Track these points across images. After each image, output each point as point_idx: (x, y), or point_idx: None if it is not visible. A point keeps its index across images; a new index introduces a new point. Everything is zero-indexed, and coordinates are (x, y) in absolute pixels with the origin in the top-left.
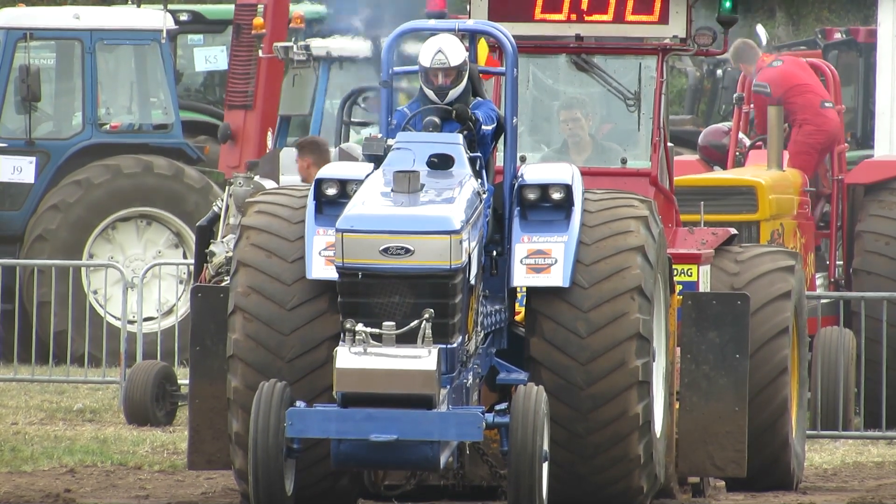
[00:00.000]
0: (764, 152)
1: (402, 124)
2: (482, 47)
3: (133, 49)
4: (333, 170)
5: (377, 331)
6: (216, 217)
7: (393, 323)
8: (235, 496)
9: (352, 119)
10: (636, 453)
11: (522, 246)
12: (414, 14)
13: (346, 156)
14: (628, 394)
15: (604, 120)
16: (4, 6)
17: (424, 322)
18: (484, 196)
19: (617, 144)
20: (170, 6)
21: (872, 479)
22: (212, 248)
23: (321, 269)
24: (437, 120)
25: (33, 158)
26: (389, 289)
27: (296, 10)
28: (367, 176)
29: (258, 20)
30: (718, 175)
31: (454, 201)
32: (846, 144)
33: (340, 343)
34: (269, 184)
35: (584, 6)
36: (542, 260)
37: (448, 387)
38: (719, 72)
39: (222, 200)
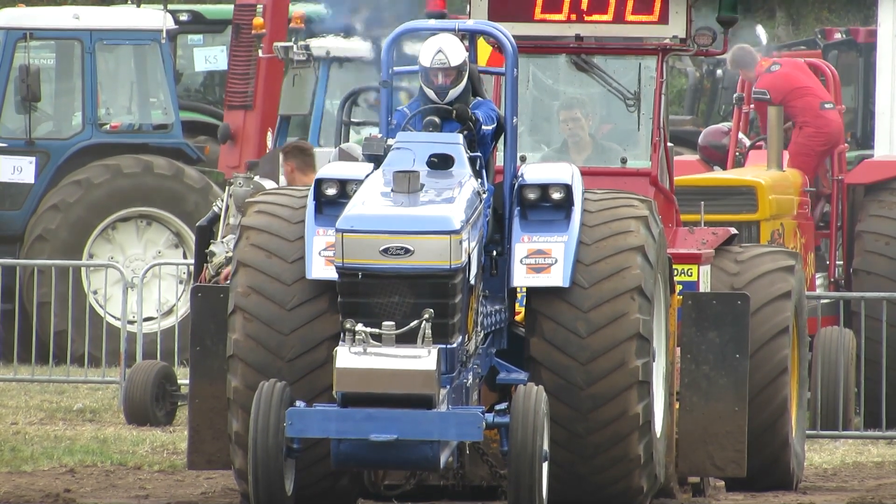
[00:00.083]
0: (764, 152)
1: (402, 124)
2: (484, 46)
3: (133, 49)
4: (333, 170)
5: (377, 331)
6: (216, 217)
7: (393, 323)
8: (235, 496)
9: (352, 119)
10: (636, 453)
11: (522, 246)
12: (414, 14)
13: (346, 156)
14: (628, 394)
15: (604, 120)
16: (4, 6)
17: (424, 322)
18: (484, 196)
19: (617, 144)
20: (170, 6)
21: (872, 478)
22: (212, 248)
23: (321, 269)
24: (437, 120)
25: (33, 158)
26: (389, 289)
27: (296, 10)
28: (367, 176)
29: (258, 20)
30: (718, 175)
31: (454, 201)
32: (846, 144)
33: (340, 343)
34: (268, 184)
35: (584, 6)
36: (542, 260)
37: (448, 387)
38: (719, 72)
39: (222, 200)
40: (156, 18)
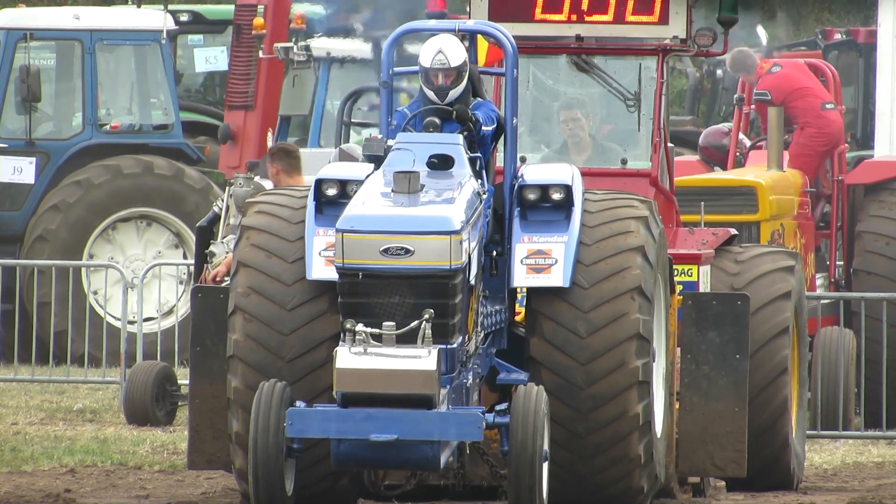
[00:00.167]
0: (764, 153)
1: (403, 125)
2: (483, 41)
3: (133, 49)
4: (334, 170)
5: (377, 331)
6: (216, 217)
7: (393, 323)
8: (235, 496)
9: (352, 119)
10: (636, 453)
11: (522, 246)
12: (414, 14)
13: (346, 156)
14: (628, 394)
15: (604, 120)
16: (4, 6)
17: (424, 322)
18: (484, 196)
19: (617, 145)
20: (170, 6)
21: (872, 479)
22: (212, 248)
23: (321, 269)
24: (437, 120)
25: (33, 159)
26: (389, 289)
27: (296, 10)
28: (368, 176)
29: (258, 20)
30: (719, 175)
31: (454, 202)
32: (846, 145)
33: (340, 343)
34: (269, 184)
35: (585, 6)
36: (543, 260)
37: (448, 387)
38: (719, 72)
39: (222, 201)
40: (156, 19)
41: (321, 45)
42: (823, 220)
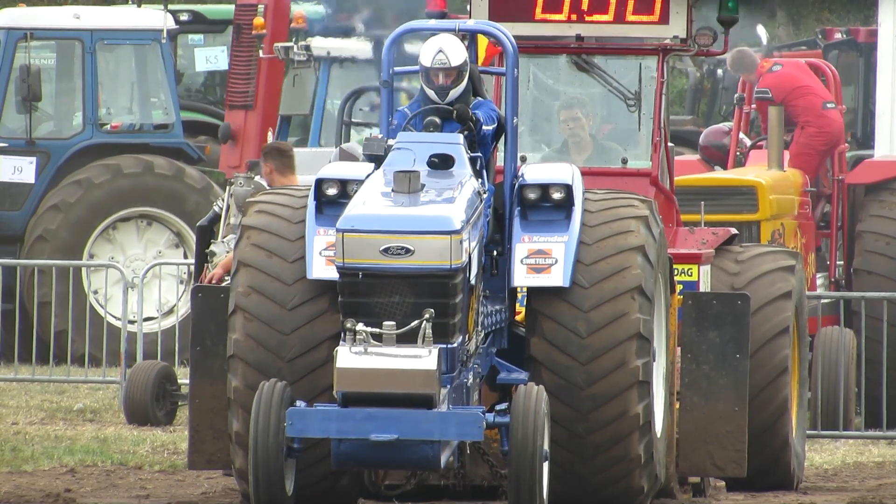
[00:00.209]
0: (764, 152)
1: (403, 124)
2: (482, 39)
3: (133, 49)
4: (334, 170)
5: (377, 330)
6: (217, 217)
7: (393, 323)
8: (236, 496)
9: (352, 119)
10: (636, 453)
11: (523, 246)
12: (414, 14)
13: (346, 156)
14: (629, 394)
15: (604, 120)
16: (5, 6)
17: (425, 322)
18: (484, 196)
19: (617, 144)
20: (170, 6)
21: (873, 479)
22: (212, 248)
23: (322, 268)
24: (437, 120)
25: (34, 158)
26: (390, 289)
27: (297, 10)
28: (368, 176)
29: (258, 20)
30: (719, 175)
31: (454, 201)
32: (846, 144)
33: (341, 343)
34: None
35: (585, 6)
36: (543, 260)
37: (448, 386)
38: (720, 72)
39: (223, 200)
40: (156, 18)
41: (321, 44)
42: (824, 220)
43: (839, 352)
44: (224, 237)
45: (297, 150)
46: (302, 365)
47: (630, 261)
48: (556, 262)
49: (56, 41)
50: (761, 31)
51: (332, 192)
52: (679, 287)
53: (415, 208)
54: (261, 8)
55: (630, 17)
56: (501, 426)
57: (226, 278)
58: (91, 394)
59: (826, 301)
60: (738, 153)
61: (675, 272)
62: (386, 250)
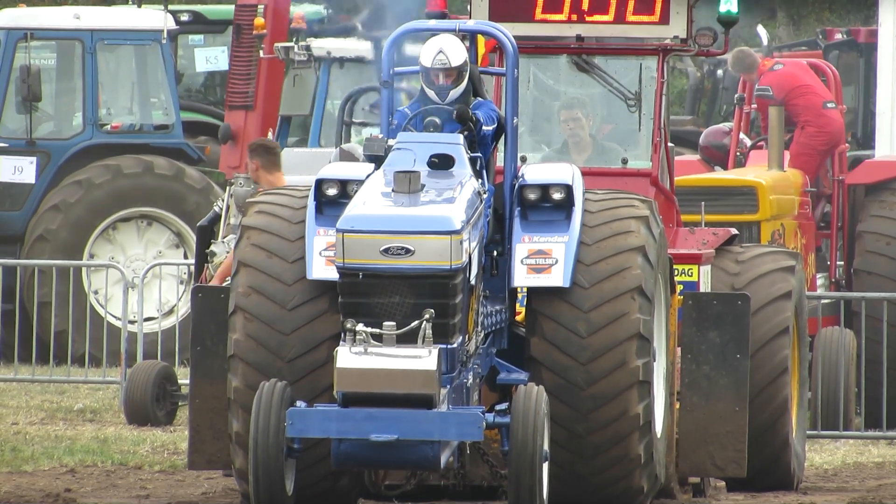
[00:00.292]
0: (765, 152)
1: (403, 124)
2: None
3: (134, 49)
4: (334, 170)
5: (378, 331)
6: (217, 217)
7: (393, 323)
8: (236, 496)
9: (353, 119)
10: (636, 453)
11: (523, 246)
12: (414, 14)
13: (346, 156)
14: (629, 394)
15: (604, 120)
16: (5, 6)
17: (425, 322)
18: (484, 196)
19: (617, 145)
20: (170, 6)
21: (873, 479)
22: (212, 248)
23: (322, 269)
24: (437, 120)
25: (34, 158)
26: (390, 289)
27: (296, 10)
28: (368, 176)
29: (259, 20)
30: (719, 175)
31: (454, 201)
32: (847, 145)
33: (341, 343)
34: None
35: (585, 6)
36: (543, 260)
37: (448, 387)
38: (720, 72)
39: (223, 201)
40: (156, 19)
41: (321, 45)
42: (824, 220)
43: (839, 352)
44: (224, 237)
45: (297, 151)
46: (302, 365)
47: (630, 261)
48: (557, 262)
49: (56, 41)
50: (761, 31)
51: (332, 192)
52: (679, 287)
53: (415, 208)
54: (261, 8)
55: (630, 18)
56: (501, 426)
57: (227, 280)
58: (91, 394)
59: (826, 301)
60: (738, 153)
61: (676, 272)
62: (386, 250)
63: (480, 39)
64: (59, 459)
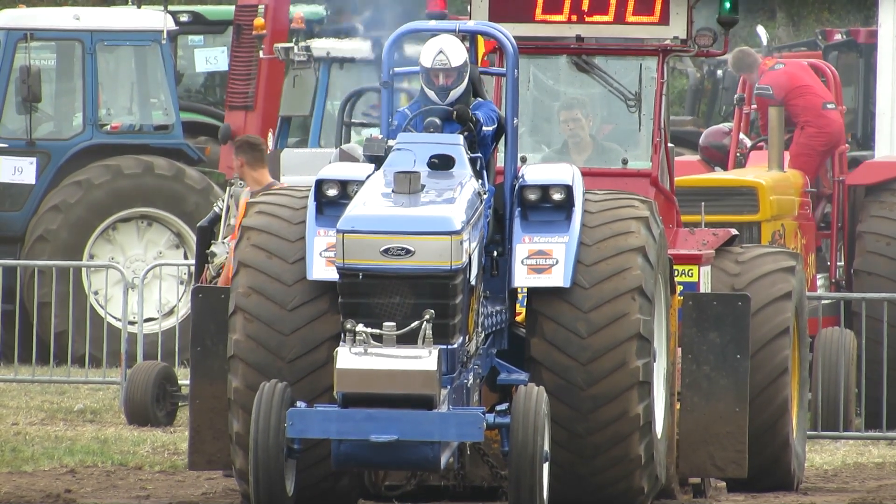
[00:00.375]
0: (765, 153)
1: (403, 125)
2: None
3: (133, 50)
4: (334, 171)
5: (378, 331)
6: (217, 218)
7: (393, 323)
8: (236, 496)
9: (352, 120)
10: (637, 454)
11: (523, 246)
12: (414, 15)
13: (346, 157)
14: (629, 394)
15: (604, 120)
16: (4, 7)
17: (425, 323)
18: (484, 197)
19: (617, 145)
20: (170, 7)
21: (873, 479)
22: (212, 248)
23: (322, 269)
24: (437, 121)
25: (34, 159)
26: (390, 289)
27: (296, 10)
28: (368, 177)
29: (259, 21)
30: (719, 176)
31: (455, 202)
32: (847, 145)
33: (341, 343)
34: None
35: (585, 7)
36: (543, 260)
37: (448, 387)
38: (720, 72)
39: (223, 201)
40: (156, 19)
41: (321, 45)
42: (824, 221)
43: (839, 352)
44: (224, 238)
45: (297, 151)
46: (302, 365)
47: (630, 261)
48: (557, 262)
49: (56, 42)
50: (761, 31)
51: (332, 192)
52: (679, 288)
53: (415, 209)
54: (261, 8)
55: (630, 18)
56: (502, 427)
57: None
58: (91, 394)
59: (826, 302)
60: (738, 154)
61: (676, 273)
62: (386, 251)
63: (480, 40)
64: (60, 460)
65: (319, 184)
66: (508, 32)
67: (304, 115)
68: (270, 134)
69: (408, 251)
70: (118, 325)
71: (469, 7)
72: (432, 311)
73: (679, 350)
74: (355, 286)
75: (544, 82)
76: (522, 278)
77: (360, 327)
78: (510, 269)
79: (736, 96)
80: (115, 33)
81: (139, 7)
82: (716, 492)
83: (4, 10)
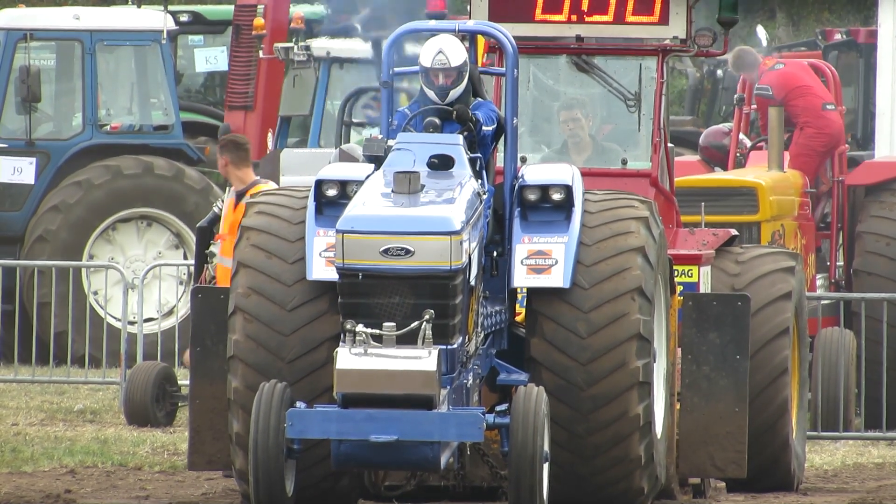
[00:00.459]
0: (765, 153)
1: (403, 125)
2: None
3: (133, 50)
4: (334, 171)
5: (377, 331)
6: (216, 218)
7: (393, 324)
8: (236, 497)
9: (352, 120)
10: (637, 454)
11: (523, 247)
12: (414, 15)
13: (346, 157)
14: (629, 394)
15: (604, 120)
16: (4, 6)
17: (425, 323)
18: (484, 197)
19: (617, 145)
20: (170, 7)
21: (873, 480)
22: (212, 248)
23: (321, 269)
24: (437, 121)
25: (33, 159)
26: (390, 289)
27: (296, 10)
28: (368, 177)
29: (258, 21)
30: (719, 176)
31: (454, 202)
32: (847, 145)
33: (341, 344)
34: (271, 185)
35: (585, 7)
36: (543, 261)
37: (448, 387)
38: (719, 72)
39: (222, 201)
40: (156, 19)
41: (321, 45)
42: (824, 221)
43: (839, 353)
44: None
45: (297, 151)
46: (302, 366)
47: (630, 262)
48: (556, 262)
49: (56, 42)
50: (761, 31)
51: (331, 192)
52: (679, 288)
53: (414, 209)
54: (260, 8)
55: (630, 18)
56: (501, 427)
57: None
58: (91, 395)
59: (826, 302)
60: (738, 154)
61: (676, 273)
62: (386, 251)
63: (480, 40)
64: (59, 460)
65: (319, 184)
66: (508, 32)
67: (303, 115)
68: (270, 134)
69: (407, 251)
70: (118, 325)
71: (469, 7)
72: (432, 311)
73: (679, 350)
74: (355, 286)
75: (544, 82)
76: (522, 278)
77: (359, 327)
78: (510, 269)
79: (736, 96)
80: (115, 33)
81: (139, 7)
82: (715, 492)
83: (4, 10)
